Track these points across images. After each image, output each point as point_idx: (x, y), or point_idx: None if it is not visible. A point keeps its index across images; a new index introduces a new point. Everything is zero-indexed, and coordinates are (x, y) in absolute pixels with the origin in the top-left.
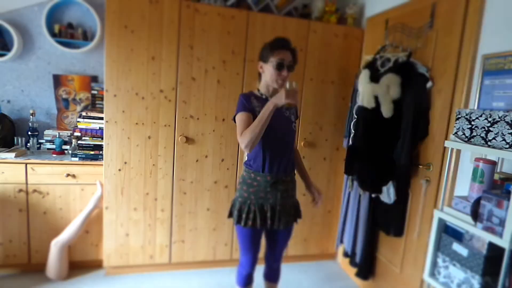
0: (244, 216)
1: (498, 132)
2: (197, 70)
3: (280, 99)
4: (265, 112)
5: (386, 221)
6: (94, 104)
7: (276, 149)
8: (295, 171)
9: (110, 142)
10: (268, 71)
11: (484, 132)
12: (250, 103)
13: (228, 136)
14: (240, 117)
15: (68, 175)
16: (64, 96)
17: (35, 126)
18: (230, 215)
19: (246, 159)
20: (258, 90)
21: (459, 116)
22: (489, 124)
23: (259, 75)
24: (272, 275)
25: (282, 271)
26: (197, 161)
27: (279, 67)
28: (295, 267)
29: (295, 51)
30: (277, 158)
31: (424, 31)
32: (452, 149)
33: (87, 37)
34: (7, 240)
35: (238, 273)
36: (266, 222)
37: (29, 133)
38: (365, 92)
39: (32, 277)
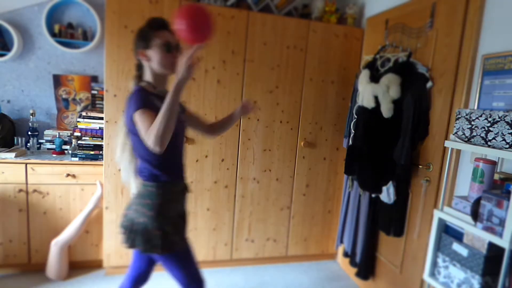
0: (172, 238)
1: (498, 132)
2: (197, 70)
3: (184, 73)
4: (174, 95)
5: (386, 221)
6: (94, 104)
7: (180, 150)
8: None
9: (110, 142)
10: (154, 56)
11: (484, 132)
12: (150, 100)
13: (228, 136)
14: (143, 113)
15: (68, 175)
16: (64, 96)
17: (35, 126)
18: (133, 245)
19: (140, 173)
20: (148, 83)
21: (459, 116)
22: (489, 124)
23: (139, 68)
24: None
25: (282, 271)
26: (197, 161)
27: (168, 49)
28: (295, 267)
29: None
30: (182, 160)
31: (424, 31)
32: (452, 149)
33: (87, 37)
34: (7, 240)
35: None
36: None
37: (29, 133)
38: (365, 92)
39: (32, 277)
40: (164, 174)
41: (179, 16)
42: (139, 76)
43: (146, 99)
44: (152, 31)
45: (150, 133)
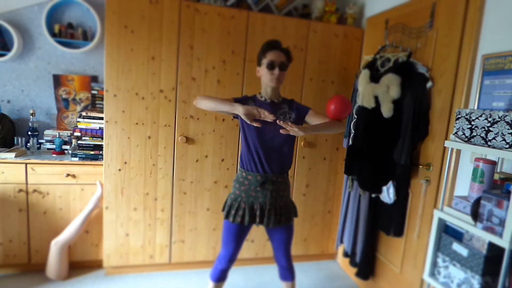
0: (233, 212)
1: (498, 132)
2: (197, 70)
3: (242, 110)
4: (227, 107)
5: (386, 221)
6: (94, 104)
7: (267, 151)
8: (286, 172)
9: (110, 142)
10: (262, 72)
11: (484, 132)
12: (244, 103)
13: (228, 136)
14: (229, 98)
15: (68, 175)
16: (64, 96)
17: (35, 126)
18: (223, 209)
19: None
20: (260, 93)
21: (459, 116)
22: (489, 124)
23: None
24: (284, 275)
25: None
26: (197, 161)
27: (270, 66)
28: (295, 267)
29: (287, 51)
30: (268, 159)
31: (424, 31)
32: (452, 149)
33: (87, 37)
34: (7, 240)
35: (214, 267)
36: (254, 220)
37: (29, 133)
38: (365, 92)
39: (32, 277)
40: (242, 164)
41: (332, 101)
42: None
43: (241, 100)
44: (263, 52)
45: (203, 99)
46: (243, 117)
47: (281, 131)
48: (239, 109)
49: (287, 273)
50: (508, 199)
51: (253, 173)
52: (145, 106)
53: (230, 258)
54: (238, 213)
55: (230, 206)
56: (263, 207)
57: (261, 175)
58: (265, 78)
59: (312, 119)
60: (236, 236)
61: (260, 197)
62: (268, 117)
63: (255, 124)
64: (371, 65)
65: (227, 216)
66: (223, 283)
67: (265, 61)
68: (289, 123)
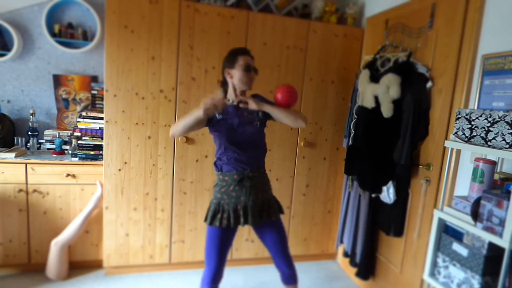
0: (219, 216)
1: (498, 132)
2: (197, 70)
3: (202, 107)
4: (192, 116)
5: (386, 221)
6: (94, 104)
7: (239, 147)
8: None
9: (110, 142)
10: (236, 75)
11: (484, 132)
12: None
13: None
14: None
15: (68, 175)
16: (64, 96)
17: (35, 126)
18: (206, 218)
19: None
20: (226, 98)
21: (459, 116)
22: (489, 124)
23: (223, 83)
24: (287, 280)
25: None
26: (197, 161)
27: (247, 69)
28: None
29: (254, 58)
30: (241, 155)
31: (424, 31)
32: (452, 149)
33: (87, 37)
34: (7, 240)
35: None
36: (239, 220)
37: (29, 133)
38: (365, 92)
39: (32, 277)
40: (217, 168)
41: (280, 89)
42: (225, 91)
43: None
44: (236, 55)
45: (174, 125)
46: (204, 112)
47: (241, 105)
48: (200, 110)
49: (290, 279)
50: (508, 199)
51: (228, 173)
52: (145, 106)
53: (214, 276)
54: (223, 216)
55: (214, 211)
56: (245, 205)
57: (237, 173)
58: (239, 81)
59: None
60: (221, 244)
61: (241, 196)
62: (219, 100)
63: (217, 114)
64: (371, 65)
65: (211, 222)
66: None
67: (240, 63)
68: (248, 98)
